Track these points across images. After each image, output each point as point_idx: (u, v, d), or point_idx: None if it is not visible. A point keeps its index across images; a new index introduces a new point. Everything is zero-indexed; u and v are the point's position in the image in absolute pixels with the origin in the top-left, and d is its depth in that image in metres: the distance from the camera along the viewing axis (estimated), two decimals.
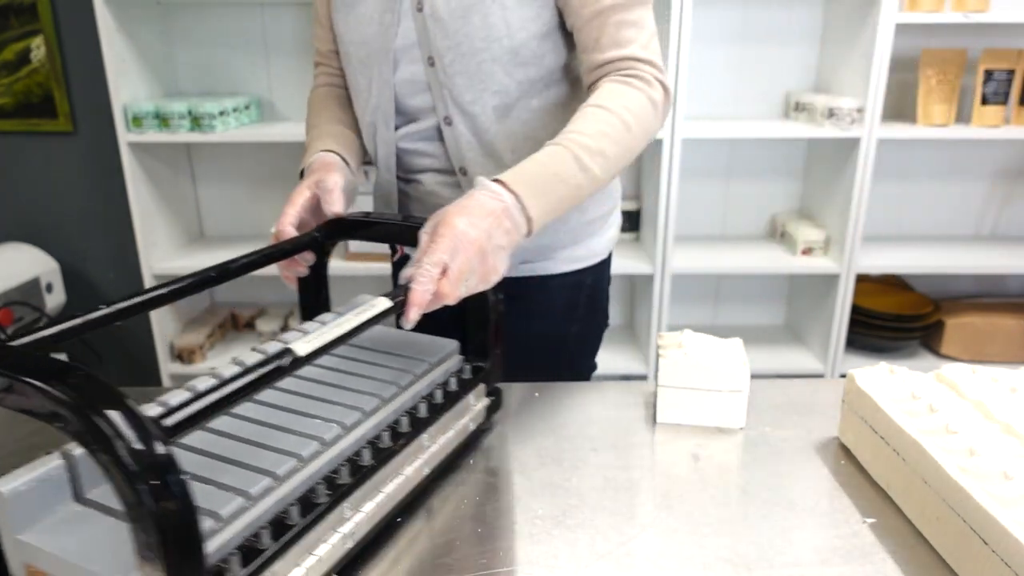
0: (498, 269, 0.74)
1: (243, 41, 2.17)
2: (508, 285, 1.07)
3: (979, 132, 1.99)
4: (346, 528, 0.59)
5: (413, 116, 0.98)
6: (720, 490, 0.73)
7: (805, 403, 0.90)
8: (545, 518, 0.68)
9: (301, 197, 0.87)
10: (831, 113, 1.94)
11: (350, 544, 0.59)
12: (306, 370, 0.73)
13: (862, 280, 2.16)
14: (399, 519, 0.68)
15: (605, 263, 1.13)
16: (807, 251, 2.12)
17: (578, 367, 1.16)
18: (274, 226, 0.86)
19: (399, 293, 0.66)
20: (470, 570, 0.62)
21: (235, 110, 2.04)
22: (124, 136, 1.93)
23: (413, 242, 0.73)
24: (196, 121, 1.94)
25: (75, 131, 2.25)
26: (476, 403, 0.79)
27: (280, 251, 0.80)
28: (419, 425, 0.68)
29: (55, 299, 2.18)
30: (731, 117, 2.22)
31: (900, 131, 1.99)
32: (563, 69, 0.97)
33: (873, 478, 0.74)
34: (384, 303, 0.63)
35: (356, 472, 0.60)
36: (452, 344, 0.80)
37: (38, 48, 2.16)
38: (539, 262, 1.06)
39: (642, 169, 2.23)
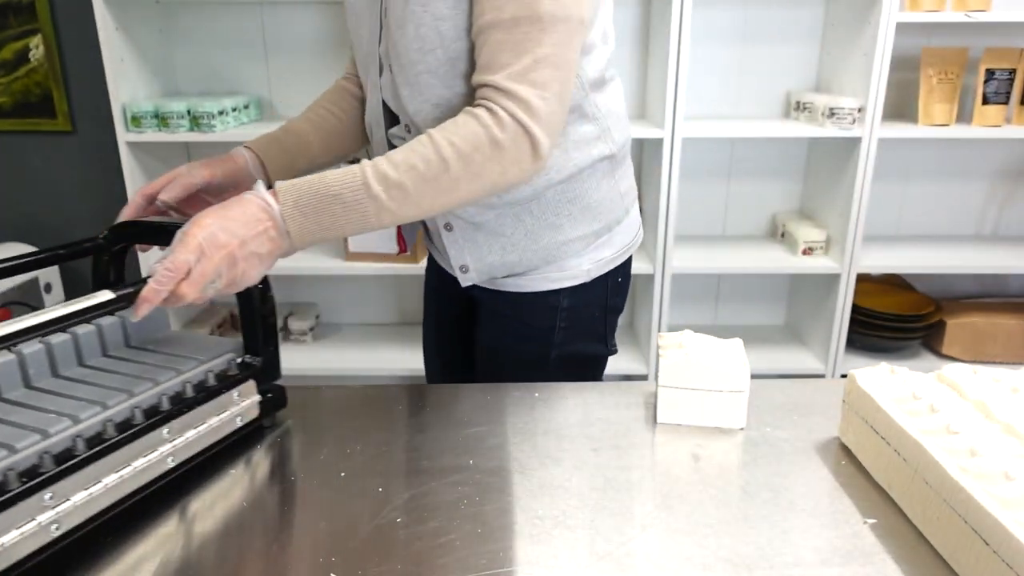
0: (250, 275, 0.74)
1: (242, 40, 2.17)
2: (483, 298, 1.06)
3: (980, 132, 1.99)
4: (45, 517, 0.59)
5: (398, 121, 0.98)
6: (720, 490, 0.73)
7: (806, 403, 0.89)
8: (545, 518, 0.68)
9: (162, 180, 0.90)
10: (832, 113, 1.94)
11: (56, 533, 0.60)
12: (73, 370, 0.75)
13: (863, 280, 2.15)
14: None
15: (592, 286, 1.04)
16: (808, 251, 2.12)
17: None
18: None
19: (128, 287, 0.68)
20: (470, 570, 0.61)
21: (234, 110, 2.04)
22: (123, 136, 1.93)
23: None
24: (195, 121, 1.94)
25: (74, 131, 2.25)
26: (243, 400, 0.79)
27: (56, 255, 0.81)
28: (155, 419, 0.69)
29: (54, 299, 2.18)
30: (731, 117, 2.22)
31: (901, 131, 1.98)
32: None
33: (874, 478, 0.73)
34: (104, 296, 0.66)
35: (62, 462, 0.61)
36: (231, 343, 0.82)
37: (36, 47, 2.16)
38: (510, 279, 1.02)
39: (642, 169, 2.23)
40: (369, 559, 0.63)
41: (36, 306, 2.03)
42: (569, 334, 1.05)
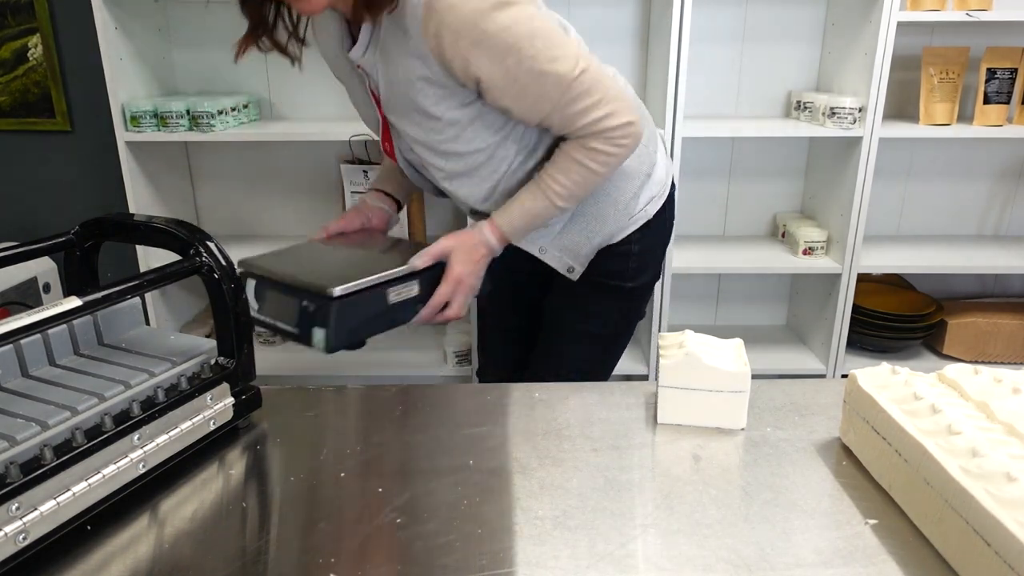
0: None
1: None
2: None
3: (981, 131, 1.99)
4: (12, 527, 0.58)
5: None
6: (721, 491, 0.72)
7: (806, 403, 0.89)
8: (545, 519, 0.68)
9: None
10: (833, 112, 1.94)
11: (24, 543, 0.59)
12: (45, 370, 0.74)
13: (863, 280, 2.15)
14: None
15: (655, 223, 1.24)
16: (808, 251, 2.12)
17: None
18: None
19: (98, 292, 0.67)
20: (470, 571, 0.61)
21: (234, 109, 2.03)
22: (122, 135, 1.93)
23: (169, 246, 0.77)
24: (194, 120, 1.94)
25: (73, 130, 2.25)
26: (216, 403, 0.78)
27: (26, 252, 0.81)
28: (125, 425, 0.68)
29: (52, 298, 2.18)
30: (732, 116, 2.22)
31: (902, 130, 1.98)
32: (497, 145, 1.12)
33: (875, 479, 0.73)
34: (71, 303, 0.64)
35: (29, 471, 0.59)
36: (206, 343, 0.81)
37: (35, 47, 2.16)
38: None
39: None
40: (369, 559, 0.62)
41: (34, 306, 2.03)
42: (637, 272, 1.25)
